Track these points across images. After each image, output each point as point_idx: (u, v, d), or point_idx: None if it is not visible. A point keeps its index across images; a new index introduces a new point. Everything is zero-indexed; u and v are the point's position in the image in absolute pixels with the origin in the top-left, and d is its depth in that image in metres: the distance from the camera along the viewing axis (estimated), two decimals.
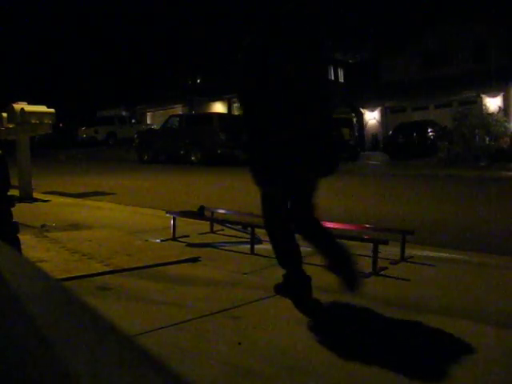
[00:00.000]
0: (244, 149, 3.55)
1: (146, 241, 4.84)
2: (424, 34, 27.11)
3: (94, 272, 3.57)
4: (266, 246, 4.61)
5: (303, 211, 3.05)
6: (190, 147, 18.98)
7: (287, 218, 3.03)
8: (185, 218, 5.47)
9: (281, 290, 3.07)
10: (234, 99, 33.77)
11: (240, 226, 5.00)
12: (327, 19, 29.19)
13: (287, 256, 3.03)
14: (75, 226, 5.58)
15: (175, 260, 4.01)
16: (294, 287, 3.01)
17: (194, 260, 4.06)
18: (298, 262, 3.01)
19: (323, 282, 3.52)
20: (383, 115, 28.39)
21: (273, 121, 2.79)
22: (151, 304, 2.96)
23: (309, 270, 3.87)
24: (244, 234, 4.84)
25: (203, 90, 34.83)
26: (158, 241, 4.90)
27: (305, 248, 4.60)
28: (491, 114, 19.84)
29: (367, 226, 4.94)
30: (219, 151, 18.62)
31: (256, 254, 4.30)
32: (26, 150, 8.21)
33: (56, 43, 37.43)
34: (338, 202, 8.67)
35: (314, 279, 3.13)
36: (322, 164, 2.94)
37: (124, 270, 3.67)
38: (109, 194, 9.43)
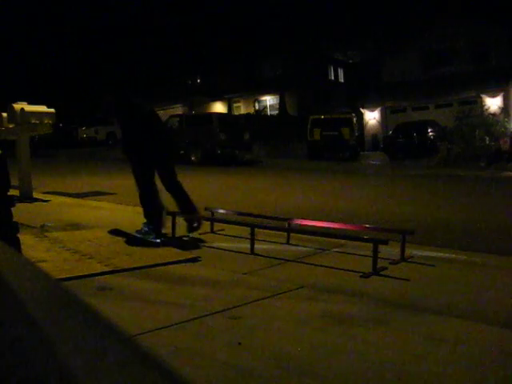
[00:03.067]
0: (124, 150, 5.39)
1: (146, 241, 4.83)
2: (424, 34, 27.10)
3: (94, 272, 3.57)
4: (266, 246, 4.62)
5: (168, 179, 5.25)
6: (189, 147, 18.96)
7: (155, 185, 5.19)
8: None
9: (141, 232, 4.97)
10: (234, 99, 33.80)
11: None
12: (327, 19, 29.17)
13: (153, 210, 5.09)
14: (75, 226, 5.58)
15: (175, 260, 4.01)
16: (153, 230, 4.95)
17: (194, 260, 4.06)
18: (159, 214, 5.06)
19: (323, 282, 3.52)
20: (383, 115, 28.37)
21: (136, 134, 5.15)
22: (151, 304, 2.96)
23: (308, 269, 3.87)
24: (244, 234, 4.84)
25: (203, 89, 34.83)
26: (158, 241, 4.90)
27: (303, 248, 4.60)
28: (494, 115, 19.80)
29: (367, 226, 4.94)
30: (219, 151, 18.62)
31: (256, 254, 4.30)
32: (26, 149, 8.20)
33: (56, 43, 37.43)
34: (338, 203, 8.67)
35: (313, 279, 3.13)
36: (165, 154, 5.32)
37: (124, 269, 3.67)
38: (109, 193, 9.42)
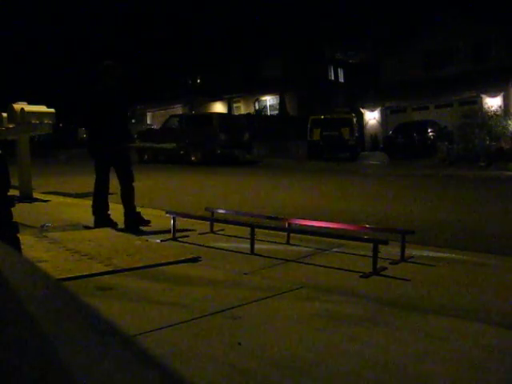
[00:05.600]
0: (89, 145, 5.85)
1: (146, 241, 4.84)
2: (424, 34, 27.10)
3: (94, 272, 3.57)
4: (266, 246, 4.62)
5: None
6: (189, 147, 18.98)
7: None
8: (185, 218, 5.47)
9: (129, 226, 5.55)
10: (234, 99, 33.77)
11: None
12: (327, 19, 29.16)
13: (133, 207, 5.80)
14: (75, 226, 5.58)
15: (175, 260, 4.01)
16: (137, 222, 5.64)
17: (194, 260, 4.06)
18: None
19: (323, 282, 3.52)
20: (383, 115, 28.37)
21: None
22: (151, 304, 2.96)
23: (308, 269, 3.87)
24: (244, 234, 4.84)
25: (203, 89, 34.82)
26: (158, 241, 4.90)
27: (303, 248, 4.59)
28: (494, 115, 19.78)
29: (367, 226, 4.94)
30: (219, 151, 18.63)
31: (256, 254, 4.30)
32: (26, 149, 8.21)
33: (56, 43, 37.46)
34: (338, 203, 8.67)
35: (313, 279, 3.12)
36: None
37: (124, 269, 3.67)
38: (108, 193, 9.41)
